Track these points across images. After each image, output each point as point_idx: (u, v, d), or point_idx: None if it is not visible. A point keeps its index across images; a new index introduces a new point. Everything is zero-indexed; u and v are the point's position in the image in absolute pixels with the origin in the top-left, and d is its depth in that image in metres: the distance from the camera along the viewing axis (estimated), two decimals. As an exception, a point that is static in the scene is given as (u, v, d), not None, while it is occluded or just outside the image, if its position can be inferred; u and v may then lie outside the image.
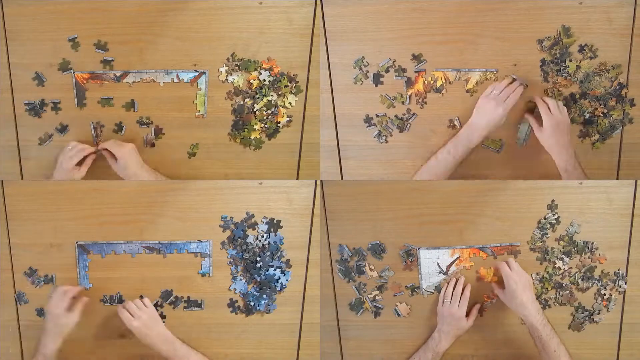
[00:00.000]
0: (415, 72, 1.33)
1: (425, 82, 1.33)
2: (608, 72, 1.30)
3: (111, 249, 1.31)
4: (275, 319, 1.35)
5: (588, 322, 1.34)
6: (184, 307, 1.33)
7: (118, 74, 1.32)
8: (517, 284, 1.23)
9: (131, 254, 1.32)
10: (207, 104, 1.33)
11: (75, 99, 1.32)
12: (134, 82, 1.32)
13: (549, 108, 1.24)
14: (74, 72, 1.31)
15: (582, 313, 1.33)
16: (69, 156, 1.27)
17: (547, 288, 1.33)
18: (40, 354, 1.22)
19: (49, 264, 1.31)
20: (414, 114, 1.34)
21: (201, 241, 1.32)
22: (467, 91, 1.33)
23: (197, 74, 1.32)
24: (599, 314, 1.33)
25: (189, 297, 1.33)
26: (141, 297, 1.31)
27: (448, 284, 1.33)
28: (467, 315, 1.30)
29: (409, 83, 1.33)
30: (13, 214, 1.31)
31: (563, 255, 1.32)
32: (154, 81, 1.32)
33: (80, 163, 1.28)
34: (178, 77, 1.32)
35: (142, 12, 1.29)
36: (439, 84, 1.33)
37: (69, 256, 1.31)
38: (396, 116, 1.34)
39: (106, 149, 1.28)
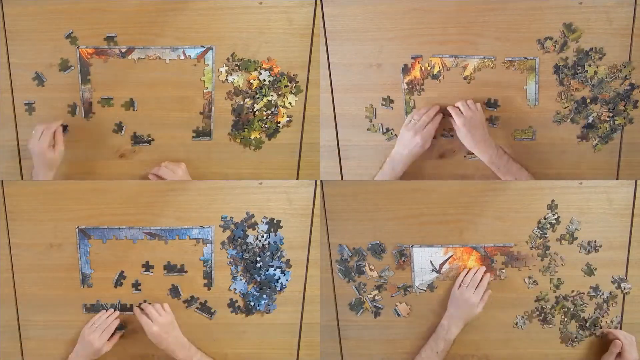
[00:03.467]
0: (412, 58, 1.33)
1: (422, 68, 1.33)
2: (620, 72, 1.30)
3: (112, 234, 1.31)
4: (275, 319, 1.35)
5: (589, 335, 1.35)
6: (196, 309, 1.33)
7: (123, 50, 1.30)
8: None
9: (132, 240, 1.31)
10: (215, 81, 1.33)
11: (79, 75, 1.31)
12: (139, 58, 1.31)
13: (459, 110, 1.27)
14: (78, 47, 1.30)
15: (583, 330, 1.34)
16: (36, 140, 1.25)
17: (546, 296, 1.33)
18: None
19: (49, 264, 1.31)
20: (394, 135, 1.36)
21: (203, 227, 1.32)
22: (465, 78, 1.33)
23: (203, 49, 1.31)
24: (601, 327, 1.34)
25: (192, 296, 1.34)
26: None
27: (469, 270, 1.33)
28: None
29: (406, 70, 1.33)
30: (13, 214, 1.31)
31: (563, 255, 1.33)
32: (160, 58, 1.31)
33: (52, 145, 1.27)
34: (184, 54, 1.31)
35: (142, 12, 1.29)
36: (436, 70, 1.33)
37: (69, 256, 1.31)
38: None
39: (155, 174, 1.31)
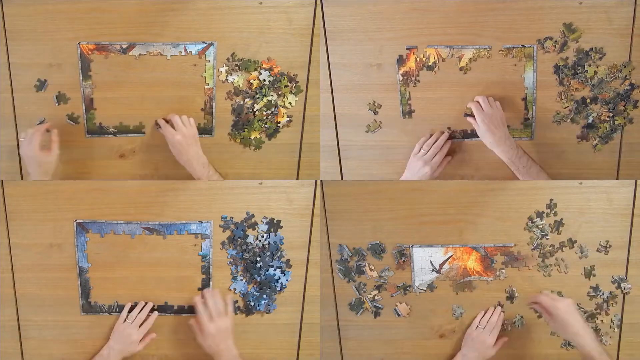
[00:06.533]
0: (407, 49, 1.32)
1: (417, 59, 1.32)
2: (620, 72, 1.30)
3: (110, 228, 1.31)
4: (275, 319, 1.35)
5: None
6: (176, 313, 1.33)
7: (124, 46, 1.30)
8: (566, 312, 1.18)
9: (130, 235, 1.31)
10: (215, 79, 1.33)
11: (80, 71, 1.31)
12: (140, 54, 1.31)
13: (480, 105, 1.26)
14: (79, 43, 1.30)
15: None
16: (27, 144, 1.23)
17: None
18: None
19: (48, 263, 1.31)
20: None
21: (202, 222, 1.32)
22: (461, 69, 1.32)
23: (205, 45, 1.31)
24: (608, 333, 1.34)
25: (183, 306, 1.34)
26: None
27: (485, 312, 1.33)
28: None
29: (401, 61, 1.33)
30: (13, 214, 1.31)
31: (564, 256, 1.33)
32: (161, 54, 1.31)
33: (47, 147, 1.25)
34: (186, 50, 1.31)
35: (142, 12, 1.29)
36: (431, 61, 1.32)
37: (69, 256, 1.31)
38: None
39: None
